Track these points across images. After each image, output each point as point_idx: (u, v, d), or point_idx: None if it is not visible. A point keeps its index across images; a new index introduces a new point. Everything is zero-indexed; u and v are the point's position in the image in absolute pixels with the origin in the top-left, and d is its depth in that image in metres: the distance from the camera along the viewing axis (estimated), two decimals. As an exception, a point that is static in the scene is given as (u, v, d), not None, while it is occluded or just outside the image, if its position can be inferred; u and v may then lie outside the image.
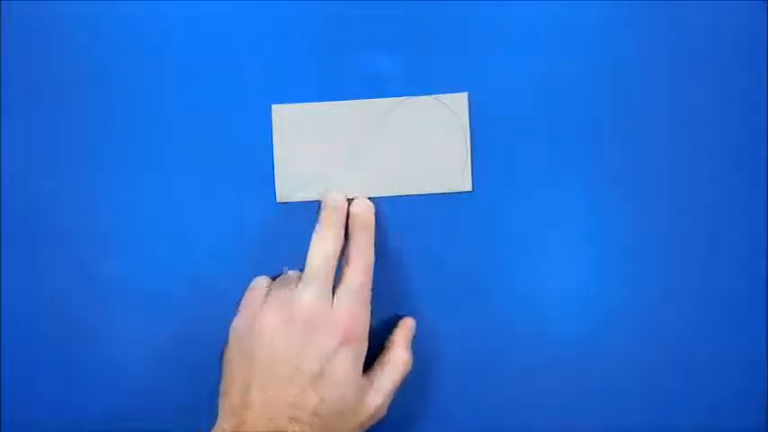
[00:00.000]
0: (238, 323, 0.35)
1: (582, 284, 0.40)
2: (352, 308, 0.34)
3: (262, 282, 0.37)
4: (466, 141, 0.40)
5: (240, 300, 0.37)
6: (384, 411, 0.35)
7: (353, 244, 0.36)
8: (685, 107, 0.40)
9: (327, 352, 0.33)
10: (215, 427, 0.33)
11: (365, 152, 0.40)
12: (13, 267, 0.42)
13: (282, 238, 0.40)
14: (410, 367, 0.36)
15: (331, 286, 0.35)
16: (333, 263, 0.35)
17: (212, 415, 0.38)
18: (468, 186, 0.40)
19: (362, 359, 0.34)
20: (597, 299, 0.40)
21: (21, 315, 0.42)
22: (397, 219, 0.41)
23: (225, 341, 0.37)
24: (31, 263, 0.42)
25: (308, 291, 0.34)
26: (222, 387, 0.35)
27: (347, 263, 0.35)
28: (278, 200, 0.40)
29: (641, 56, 0.40)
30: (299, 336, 0.33)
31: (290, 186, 0.40)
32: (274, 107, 0.40)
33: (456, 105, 0.40)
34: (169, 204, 0.41)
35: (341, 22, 0.41)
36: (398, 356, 0.36)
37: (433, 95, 0.40)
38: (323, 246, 0.35)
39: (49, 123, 0.42)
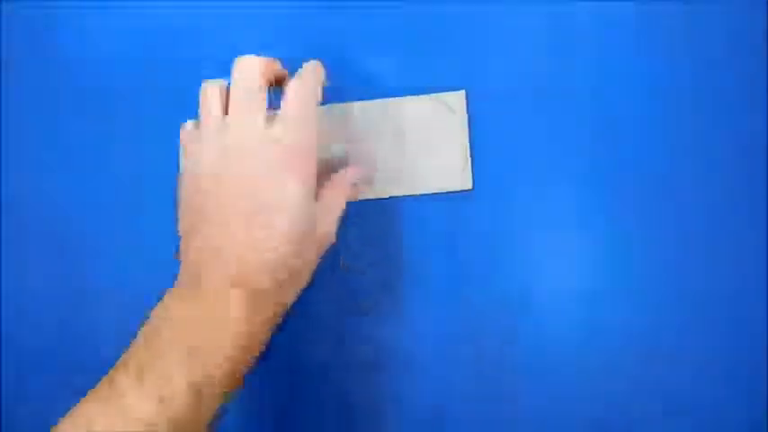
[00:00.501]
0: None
1: (582, 284, 0.40)
2: (290, 134, 0.32)
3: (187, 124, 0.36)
4: (465, 139, 0.40)
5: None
6: (334, 234, 0.35)
7: (296, 76, 0.35)
8: (685, 107, 0.40)
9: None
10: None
11: (365, 154, 0.40)
12: (11, 267, 0.42)
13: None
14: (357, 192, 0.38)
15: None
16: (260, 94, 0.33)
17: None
18: (468, 185, 0.40)
19: (313, 186, 0.33)
20: (597, 298, 0.40)
21: (20, 315, 0.42)
22: (397, 218, 0.41)
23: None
24: (29, 263, 0.43)
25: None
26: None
27: (285, 93, 0.34)
28: None
29: (641, 56, 0.41)
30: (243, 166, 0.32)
31: None
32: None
33: (454, 103, 0.40)
34: (169, 205, 0.41)
35: (339, 22, 0.41)
36: (343, 175, 0.37)
37: (431, 95, 0.40)
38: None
39: (47, 125, 0.43)
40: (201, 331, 0.30)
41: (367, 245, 0.41)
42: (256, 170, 0.32)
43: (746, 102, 0.40)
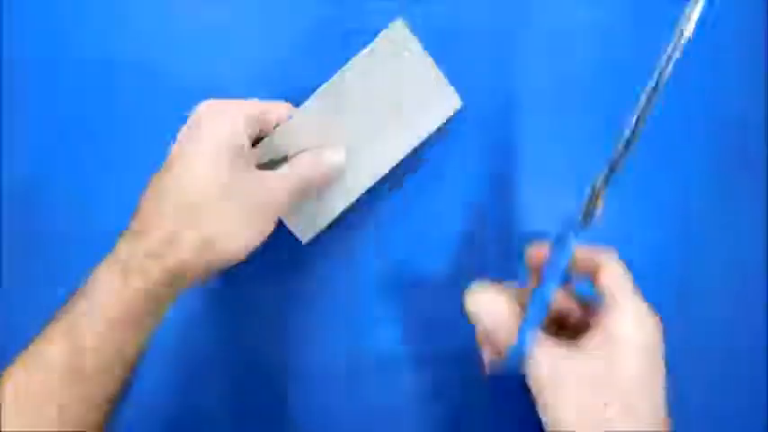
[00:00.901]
0: None
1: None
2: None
3: None
4: (429, 62, 0.37)
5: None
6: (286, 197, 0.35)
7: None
8: (685, 107, 0.41)
9: None
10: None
11: (350, 137, 0.37)
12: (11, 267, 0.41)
13: (280, 237, 0.39)
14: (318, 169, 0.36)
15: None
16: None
17: (212, 415, 0.38)
18: (458, 104, 0.38)
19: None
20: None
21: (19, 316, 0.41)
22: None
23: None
24: (29, 263, 0.41)
25: None
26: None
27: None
28: (304, 242, 0.38)
29: (641, 55, 0.40)
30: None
31: (306, 222, 0.38)
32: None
33: (397, 35, 0.37)
34: None
35: (338, 21, 0.41)
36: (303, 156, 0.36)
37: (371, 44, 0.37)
38: None
39: (49, 123, 0.42)
40: None
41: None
42: None
43: (747, 102, 0.41)
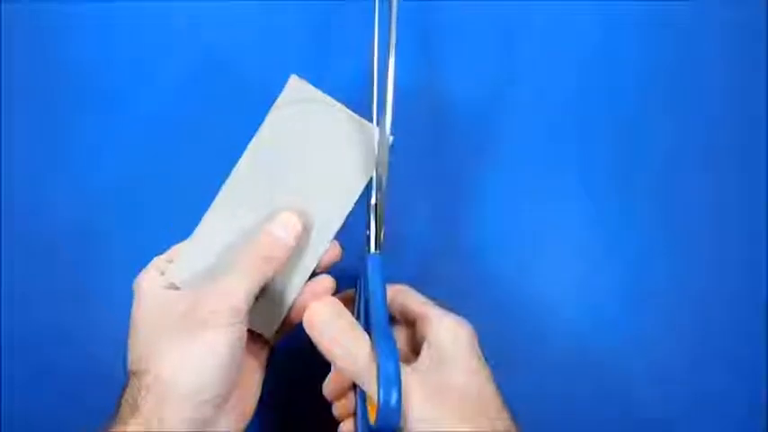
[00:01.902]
0: None
1: (580, 287, 0.41)
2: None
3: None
4: (340, 110, 0.34)
5: None
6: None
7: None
8: (685, 106, 0.41)
9: None
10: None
11: (284, 206, 0.34)
12: (11, 266, 0.42)
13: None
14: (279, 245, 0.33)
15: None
16: None
17: None
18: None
19: None
20: (595, 302, 0.41)
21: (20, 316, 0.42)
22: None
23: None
24: (29, 263, 0.42)
25: None
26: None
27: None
28: (269, 337, 0.35)
29: (640, 56, 0.42)
30: None
31: (266, 314, 0.34)
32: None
33: (298, 91, 0.34)
34: (168, 206, 0.42)
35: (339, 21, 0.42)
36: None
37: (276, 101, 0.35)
38: None
39: (47, 124, 0.43)
40: None
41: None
42: None
43: (747, 102, 0.41)
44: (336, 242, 0.35)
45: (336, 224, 0.34)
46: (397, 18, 0.32)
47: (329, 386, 0.34)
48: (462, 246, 0.41)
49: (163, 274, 0.33)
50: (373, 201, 0.33)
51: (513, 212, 0.42)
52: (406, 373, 0.29)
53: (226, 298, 0.30)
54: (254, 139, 0.34)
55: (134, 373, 0.30)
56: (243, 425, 0.33)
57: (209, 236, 0.34)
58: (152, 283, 0.33)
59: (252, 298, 0.31)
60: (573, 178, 0.42)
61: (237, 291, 0.30)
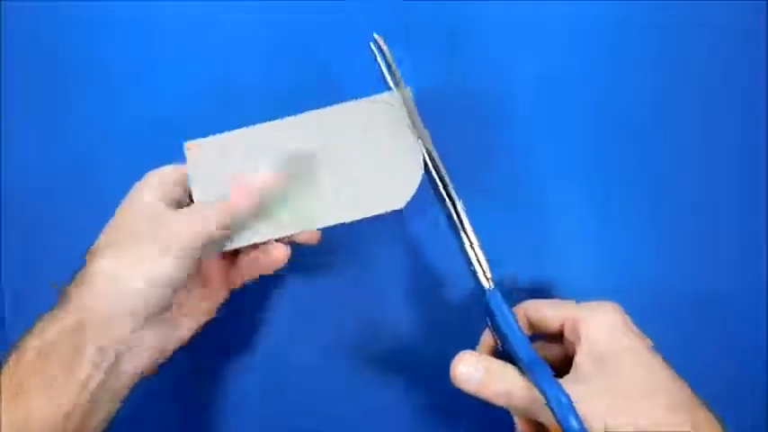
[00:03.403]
0: None
1: (582, 283, 0.41)
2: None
3: None
4: (415, 141, 0.34)
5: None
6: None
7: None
8: (685, 107, 0.41)
9: None
10: None
11: (302, 178, 0.35)
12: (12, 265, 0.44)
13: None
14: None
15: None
16: None
17: (210, 414, 0.41)
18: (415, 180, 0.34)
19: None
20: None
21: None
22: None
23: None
24: (30, 261, 0.44)
25: None
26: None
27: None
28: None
29: (641, 56, 0.42)
30: None
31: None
32: (186, 144, 0.36)
33: (394, 103, 0.35)
34: None
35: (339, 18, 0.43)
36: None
37: (367, 98, 0.36)
38: None
39: (50, 121, 0.44)
40: None
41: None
42: None
43: (747, 102, 0.41)
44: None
45: (328, 223, 0.35)
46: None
47: (519, 427, 0.34)
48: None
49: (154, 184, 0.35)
50: (466, 236, 0.32)
51: (517, 217, 0.42)
52: (573, 388, 0.28)
53: (189, 224, 0.33)
54: (325, 110, 0.35)
55: (82, 269, 0.32)
56: (164, 350, 0.34)
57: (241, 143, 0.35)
58: (140, 196, 0.34)
59: (211, 238, 0.33)
60: (571, 178, 0.42)
61: (202, 222, 0.33)
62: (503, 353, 0.32)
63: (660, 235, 0.41)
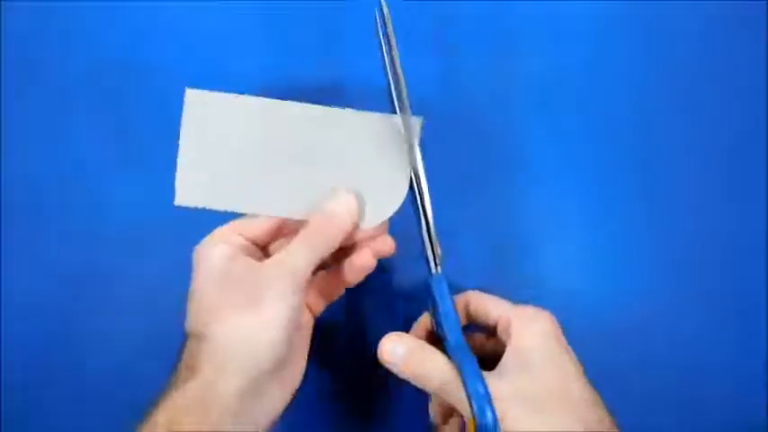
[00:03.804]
0: None
1: (583, 285, 0.42)
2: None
3: None
4: (407, 168, 0.34)
5: None
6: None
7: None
8: (686, 106, 0.41)
9: None
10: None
11: (288, 165, 0.34)
12: (12, 264, 0.43)
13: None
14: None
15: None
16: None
17: None
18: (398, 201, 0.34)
19: None
20: (598, 299, 0.41)
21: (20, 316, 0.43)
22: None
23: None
24: (31, 260, 0.43)
25: None
26: None
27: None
28: (176, 203, 0.34)
29: (641, 56, 0.42)
30: None
31: (191, 190, 0.34)
32: (188, 91, 0.34)
33: (408, 127, 0.34)
34: (167, 205, 0.42)
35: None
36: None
37: (385, 114, 0.35)
38: None
39: (51, 121, 0.44)
40: None
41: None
42: None
43: (746, 102, 0.41)
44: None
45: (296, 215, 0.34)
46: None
47: (432, 410, 0.35)
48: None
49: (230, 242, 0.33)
50: (423, 218, 0.33)
51: (518, 209, 0.42)
52: (495, 383, 0.29)
53: (286, 271, 0.31)
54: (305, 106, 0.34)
55: (193, 336, 0.31)
56: (291, 395, 0.33)
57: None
58: (213, 252, 0.32)
59: (310, 272, 0.32)
60: (572, 177, 0.42)
61: (297, 266, 0.32)
62: (436, 338, 0.33)
63: (660, 235, 0.41)
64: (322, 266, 0.35)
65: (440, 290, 0.32)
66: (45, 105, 0.43)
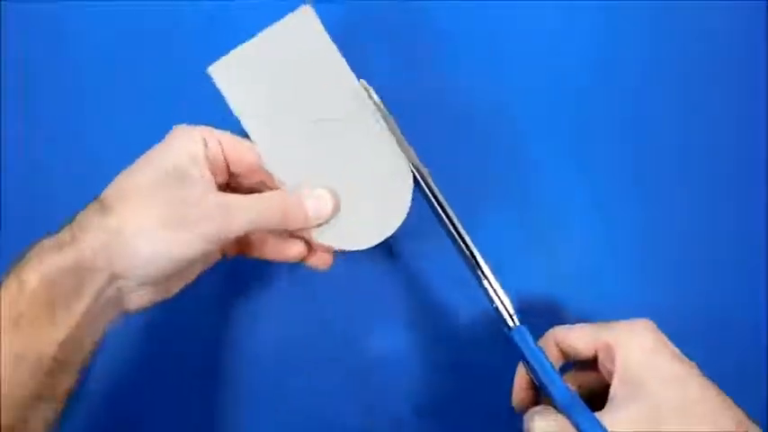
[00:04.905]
0: None
1: (583, 285, 0.41)
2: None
3: None
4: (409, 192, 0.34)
5: None
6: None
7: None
8: (685, 107, 0.41)
9: None
10: None
11: (305, 126, 0.34)
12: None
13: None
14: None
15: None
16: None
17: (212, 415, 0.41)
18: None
19: None
20: (598, 299, 0.41)
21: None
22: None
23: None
24: None
25: None
26: None
27: None
28: (210, 68, 0.34)
29: (641, 57, 0.41)
30: None
31: (229, 73, 0.34)
32: (212, 68, 0.34)
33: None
34: None
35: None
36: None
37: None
38: None
39: (51, 121, 0.44)
40: None
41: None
42: None
43: (746, 102, 0.41)
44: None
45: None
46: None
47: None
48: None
49: (206, 145, 0.32)
50: (483, 275, 0.32)
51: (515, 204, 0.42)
52: (611, 420, 0.27)
53: (222, 220, 0.31)
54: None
55: (102, 202, 0.30)
56: (158, 300, 0.33)
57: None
58: (184, 144, 0.32)
59: (241, 233, 0.31)
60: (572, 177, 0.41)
61: (235, 223, 0.31)
62: (536, 386, 0.32)
63: (659, 236, 0.41)
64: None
65: (526, 343, 0.31)
66: (45, 105, 0.43)
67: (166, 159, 0.31)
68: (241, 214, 0.31)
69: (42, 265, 0.28)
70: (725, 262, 0.40)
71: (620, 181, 0.41)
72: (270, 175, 0.34)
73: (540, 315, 0.40)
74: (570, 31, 0.42)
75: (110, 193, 0.30)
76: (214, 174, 0.32)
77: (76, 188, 0.41)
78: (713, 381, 0.29)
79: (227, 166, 0.33)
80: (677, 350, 0.30)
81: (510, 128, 0.42)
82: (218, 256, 0.36)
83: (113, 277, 0.30)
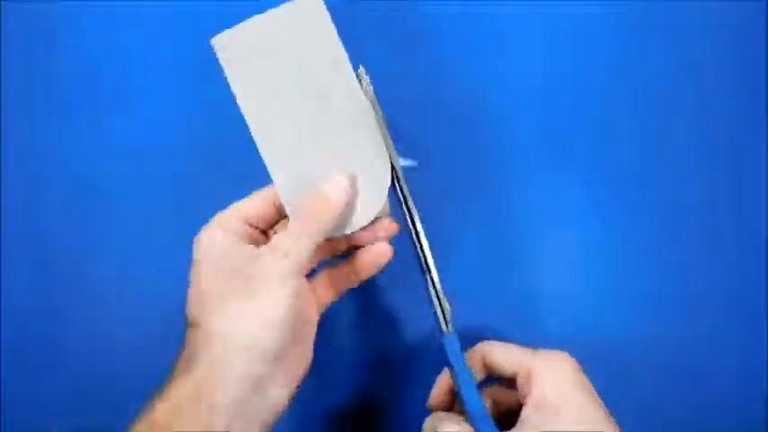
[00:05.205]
0: None
1: (582, 284, 0.41)
2: None
3: None
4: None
5: None
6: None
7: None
8: (685, 107, 0.41)
9: None
10: None
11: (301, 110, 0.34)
12: (12, 267, 0.43)
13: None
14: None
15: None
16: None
17: None
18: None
19: None
20: (596, 298, 0.41)
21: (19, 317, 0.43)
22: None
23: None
24: (31, 264, 0.43)
25: None
26: None
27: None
28: (213, 39, 0.33)
29: (640, 57, 0.41)
30: None
31: (233, 49, 0.34)
32: (215, 40, 0.34)
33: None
34: (168, 204, 0.43)
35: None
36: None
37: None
38: None
39: (52, 121, 0.44)
40: None
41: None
42: None
43: (746, 102, 0.40)
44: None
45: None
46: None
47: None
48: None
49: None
50: (428, 275, 0.33)
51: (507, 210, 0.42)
52: None
53: (281, 255, 0.31)
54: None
55: (191, 325, 0.31)
56: (296, 384, 0.32)
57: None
58: (210, 238, 0.32)
59: (306, 255, 0.31)
60: (573, 177, 0.41)
61: (292, 250, 0.31)
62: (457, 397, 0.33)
63: (659, 237, 0.41)
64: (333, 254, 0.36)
65: (453, 350, 0.32)
66: (45, 105, 0.43)
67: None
68: (289, 244, 0.31)
69: (165, 401, 0.28)
70: (725, 262, 0.40)
71: (620, 186, 0.41)
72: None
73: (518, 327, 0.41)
74: (566, 31, 0.42)
75: (190, 310, 0.31)
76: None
77: (76, 188, 0.43)
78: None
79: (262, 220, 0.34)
80: (592, 389, 0.30)
81: (504, 126, 0.42)
82: (316, 308, 0.35)
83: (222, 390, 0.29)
